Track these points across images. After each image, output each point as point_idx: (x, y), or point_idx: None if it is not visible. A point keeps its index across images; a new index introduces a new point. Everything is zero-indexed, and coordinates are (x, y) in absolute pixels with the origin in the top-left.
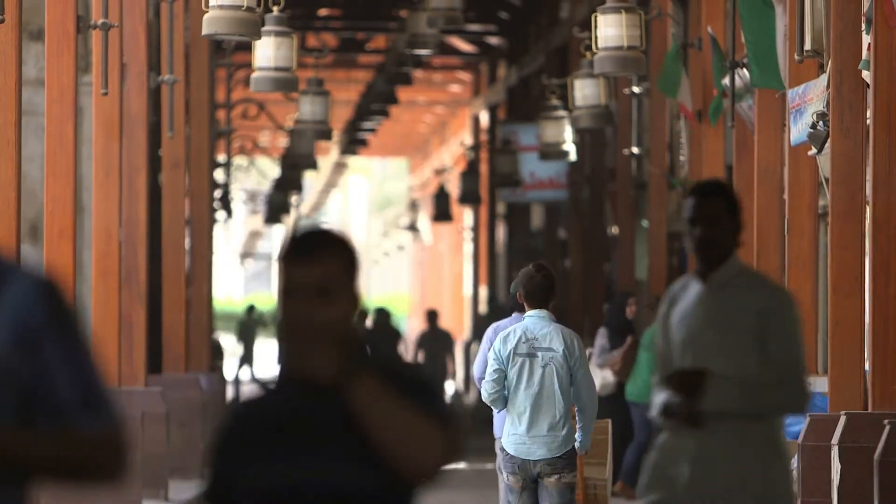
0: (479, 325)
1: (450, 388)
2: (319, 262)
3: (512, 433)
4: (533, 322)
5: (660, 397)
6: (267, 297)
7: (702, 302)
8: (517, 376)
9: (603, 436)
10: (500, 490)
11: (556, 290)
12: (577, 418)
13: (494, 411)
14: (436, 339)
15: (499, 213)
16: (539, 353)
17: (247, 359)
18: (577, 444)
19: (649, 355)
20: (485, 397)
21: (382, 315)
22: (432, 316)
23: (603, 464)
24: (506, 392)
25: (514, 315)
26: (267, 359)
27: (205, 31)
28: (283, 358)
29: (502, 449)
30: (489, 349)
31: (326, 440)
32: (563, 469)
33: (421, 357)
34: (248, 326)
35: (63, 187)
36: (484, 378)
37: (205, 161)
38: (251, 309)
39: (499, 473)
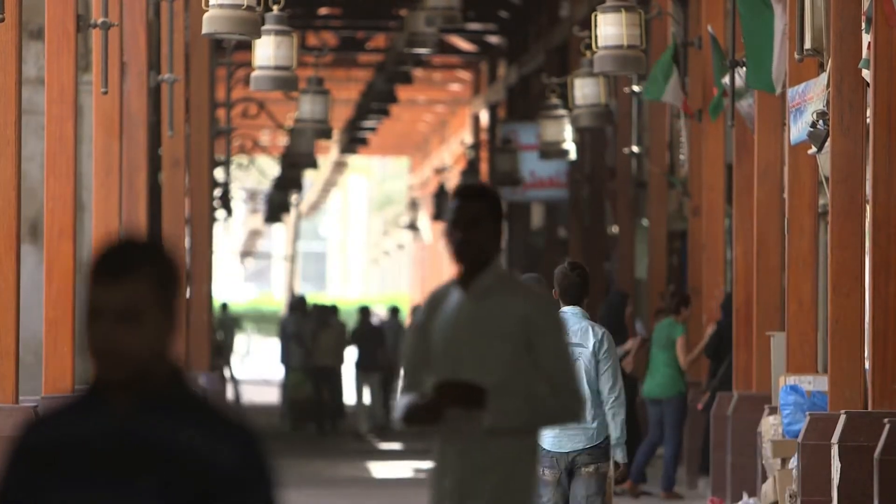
0: None
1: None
2: (124, 282)
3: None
4: (567, 318)
5: (403, 401)
6: (267, 297)
7: (462, 309)
8: None
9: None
10: None
11: (590, 287)
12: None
13: None
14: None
15: None
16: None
17: (224, 357)
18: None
19: (664, 354)
20: None
21: (365, 314)
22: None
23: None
24: None
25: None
26: (248, 355)
27: (205, 30)
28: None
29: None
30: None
31: (112, 472)
32: (598, 459)
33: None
34: (223, 324)
35: (63, 186)
36: None
37: (205, 160)
38: (224, 307)
39: None
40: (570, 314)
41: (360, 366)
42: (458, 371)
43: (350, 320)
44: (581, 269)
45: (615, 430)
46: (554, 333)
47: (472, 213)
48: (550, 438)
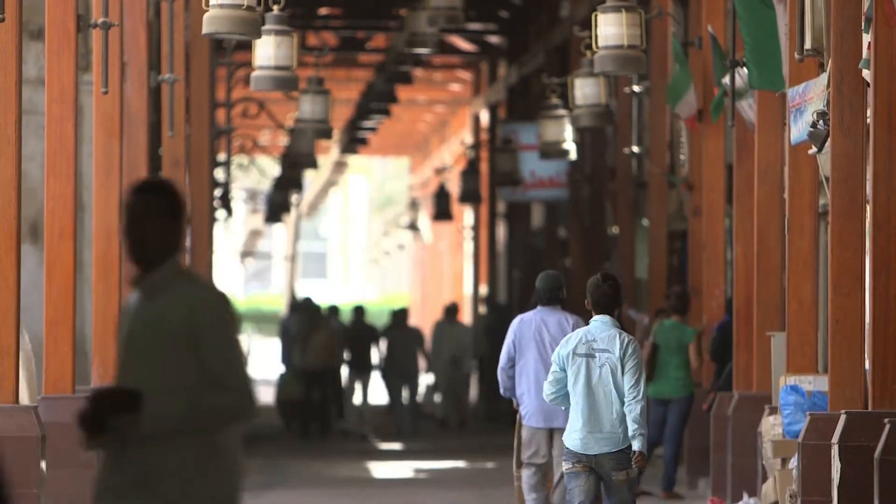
0: (477, 325)
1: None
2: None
3: (573, 430)
4: (596, 326)
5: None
6: (267, 296)
7: (135, 310)
8: (576, 376)
9: None
10: (561, 481)
11: (622, 297)
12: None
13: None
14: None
15: (499, 212)
16: (597, 355)
17: None
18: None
19: (676, 358)
20: (547, 398)
21: (359, 313)
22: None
23: None
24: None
25: (538, 308)
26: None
27: (205, 30)
28: None
29: (564, 445)
30: (512, 340)
31: None
32: (625, 465)
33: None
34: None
35: (63, 186)
36: (505, 368)
37: (205, 160)
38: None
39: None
40: (600, 322)
41: (353, 366)
42: (127, 375)
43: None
44: (613, 280)
45: (631, 424)
46: (219, 327)
47: (138, 210)
48: (577, 440)
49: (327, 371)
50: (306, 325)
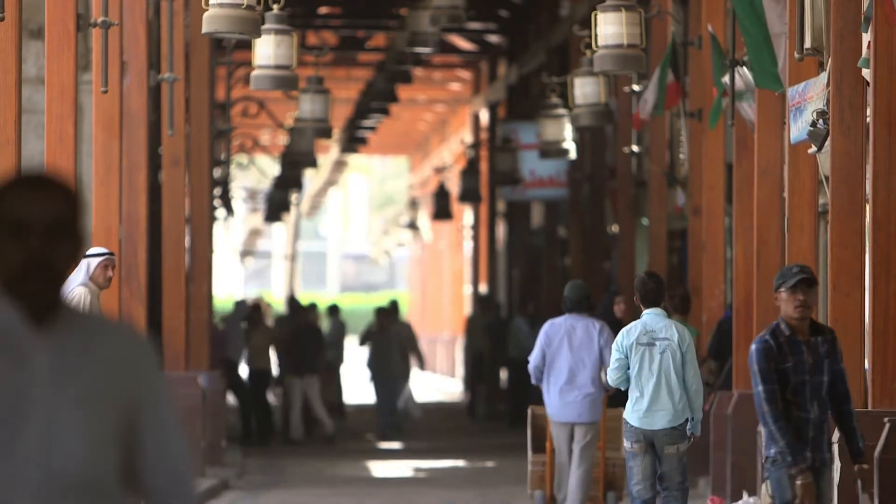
0: (473, 324)
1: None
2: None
3: (636, 409)
4: (650, 318)
5: None
6: (267, 296)
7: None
8: (640, 362)
9: (619, 423)
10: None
11: (665, 291)
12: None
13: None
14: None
15: (499, 211)
16: (657, 342)
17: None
18: (688, 428)
19: None
20: (612, 382)
21: (335, 312)
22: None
23: (619, 447)
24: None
25: (566, 315)
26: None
27: (205, 29)
28: None
29: (626, 422)
30: (544, 341)
31: None
32: (678, 440)
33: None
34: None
35: None
36: (539, 365)
37: (205, 159)
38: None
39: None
40: (654, 314)
41: (292, 368)
42: None
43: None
44: (657, 277)
45: (696, 411)
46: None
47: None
48: (640, 417)
49: (264, 372)
50: (249, 326)
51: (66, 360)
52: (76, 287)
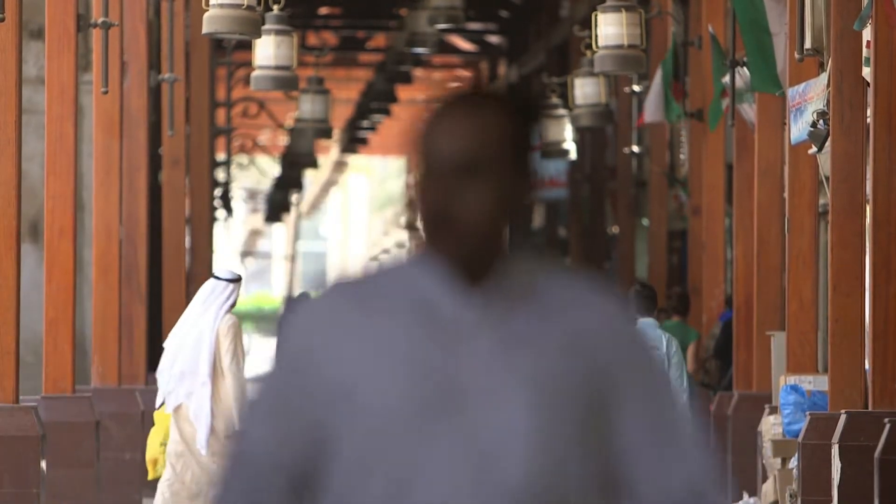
0: None
1: None
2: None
3: None
4: (643, 327)
5: None
6: (267, 296)
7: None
8: None
9: None
10: None
11: (656, 302)
12: None
13: None
14: None
15: None
16: None
17: None
18: None
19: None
20: None
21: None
22: None
23: None
24: None
25: None
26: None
27: (205, 29)
28: None
29: None
30: None
31: None
32: None
33: None
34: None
35: (63, 186)
36: None
37: (205, 159)
38: None
39: None
40: (646, 324)
41: None
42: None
43: None
44: (649, 288)
45: None
46: None
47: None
48: None
49: None
50: None
51: (512, 335)
52: (227, 315)
